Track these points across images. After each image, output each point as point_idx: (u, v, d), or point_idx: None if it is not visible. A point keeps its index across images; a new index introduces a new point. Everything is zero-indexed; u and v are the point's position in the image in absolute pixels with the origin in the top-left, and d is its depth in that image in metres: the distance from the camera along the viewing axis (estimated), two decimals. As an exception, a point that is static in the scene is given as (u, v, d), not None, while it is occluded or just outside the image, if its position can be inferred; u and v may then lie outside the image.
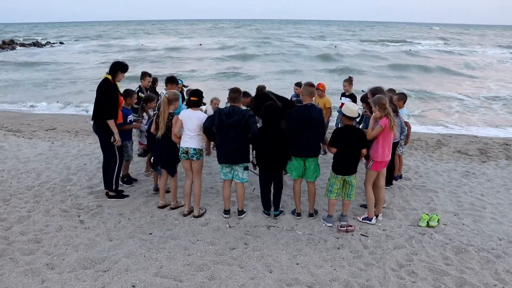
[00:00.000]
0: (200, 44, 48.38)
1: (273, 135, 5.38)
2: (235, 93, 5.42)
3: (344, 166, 5.27)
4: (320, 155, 5.78)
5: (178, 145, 5.59)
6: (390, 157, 5.36)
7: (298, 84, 8.43)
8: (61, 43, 55.16)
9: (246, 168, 5.51)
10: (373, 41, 57.45)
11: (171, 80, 7.54)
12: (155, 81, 8.18)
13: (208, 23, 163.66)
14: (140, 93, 7.24)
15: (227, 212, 5.67)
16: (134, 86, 7.49)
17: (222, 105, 8.24)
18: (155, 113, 6.65)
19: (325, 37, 64.59)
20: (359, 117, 5.78)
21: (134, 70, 13.18)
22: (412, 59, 33.33)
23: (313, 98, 6.49)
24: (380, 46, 48.87)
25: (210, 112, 7.96)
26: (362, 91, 6.87)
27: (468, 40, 67.13)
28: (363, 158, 5.39)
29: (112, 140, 5.89)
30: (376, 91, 5.59)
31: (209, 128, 5.38)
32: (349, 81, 7.83)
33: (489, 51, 43.94)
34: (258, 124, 5.48)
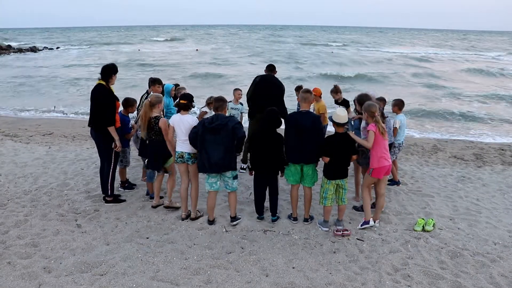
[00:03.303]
0: (197, 50, 48.42)
1: (273, 139, 5.41)
2: (218, 102, 5.40)
3: (337, 171, 5.30)
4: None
5: (173, 149, 5.65)
6: (389, 162, 5.39)
7: (298, 89, 8.45)
8: (57, 48, 55.37)
9: (235, 177, 5.45)
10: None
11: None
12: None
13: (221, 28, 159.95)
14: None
15: (211, 222, 5.60)
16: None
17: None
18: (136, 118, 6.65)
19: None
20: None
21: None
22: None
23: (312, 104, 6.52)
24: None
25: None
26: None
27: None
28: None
29: (113, 146, 5.92)
30: (361, 99, 5.67)
31: (194, 140, 5.28)
32: (335, 90, 7.87)
33: None
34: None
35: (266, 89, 7.18)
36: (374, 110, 5.18)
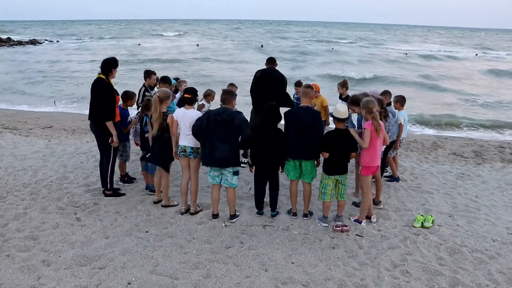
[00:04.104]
0: (198, 45, 48.19)
1: (273, 135, 5.39)
2: (226, 95, 5.30)
3: (336, 166, 5.28)
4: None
5: (176, 143, 5.61)
6: (379, 163, 5.40)
7: (298, 84, 8.40)
8: (57, 41, 55.26)
9: (236, 173, 5.40)
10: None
11: (166, 80, 7.45)
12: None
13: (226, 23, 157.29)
14: (146, 92, 7.04)
15: (215, 216, 5.58)
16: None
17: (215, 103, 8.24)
18: (137, 113, 6.57)
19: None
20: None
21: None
22: None
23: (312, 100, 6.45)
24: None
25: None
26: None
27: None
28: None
29: (110, 141, 5.90)
30: (357, 99, 5.54)
31: (197, 133, 5.22)
32: (343, 84, 7.83)
33: None
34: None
35: (267, 83, 7.08)
36: (372, 106, 5.11)
